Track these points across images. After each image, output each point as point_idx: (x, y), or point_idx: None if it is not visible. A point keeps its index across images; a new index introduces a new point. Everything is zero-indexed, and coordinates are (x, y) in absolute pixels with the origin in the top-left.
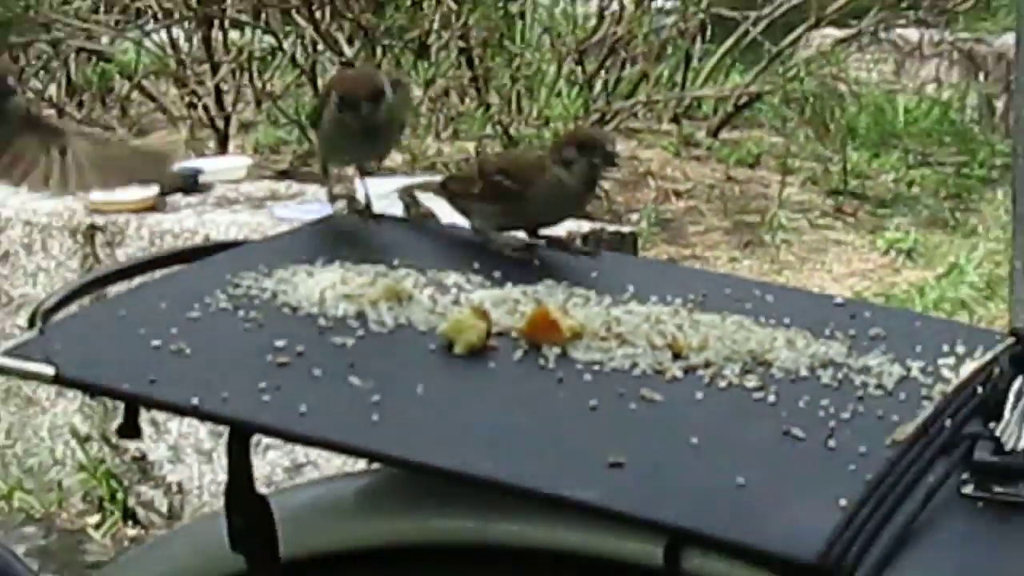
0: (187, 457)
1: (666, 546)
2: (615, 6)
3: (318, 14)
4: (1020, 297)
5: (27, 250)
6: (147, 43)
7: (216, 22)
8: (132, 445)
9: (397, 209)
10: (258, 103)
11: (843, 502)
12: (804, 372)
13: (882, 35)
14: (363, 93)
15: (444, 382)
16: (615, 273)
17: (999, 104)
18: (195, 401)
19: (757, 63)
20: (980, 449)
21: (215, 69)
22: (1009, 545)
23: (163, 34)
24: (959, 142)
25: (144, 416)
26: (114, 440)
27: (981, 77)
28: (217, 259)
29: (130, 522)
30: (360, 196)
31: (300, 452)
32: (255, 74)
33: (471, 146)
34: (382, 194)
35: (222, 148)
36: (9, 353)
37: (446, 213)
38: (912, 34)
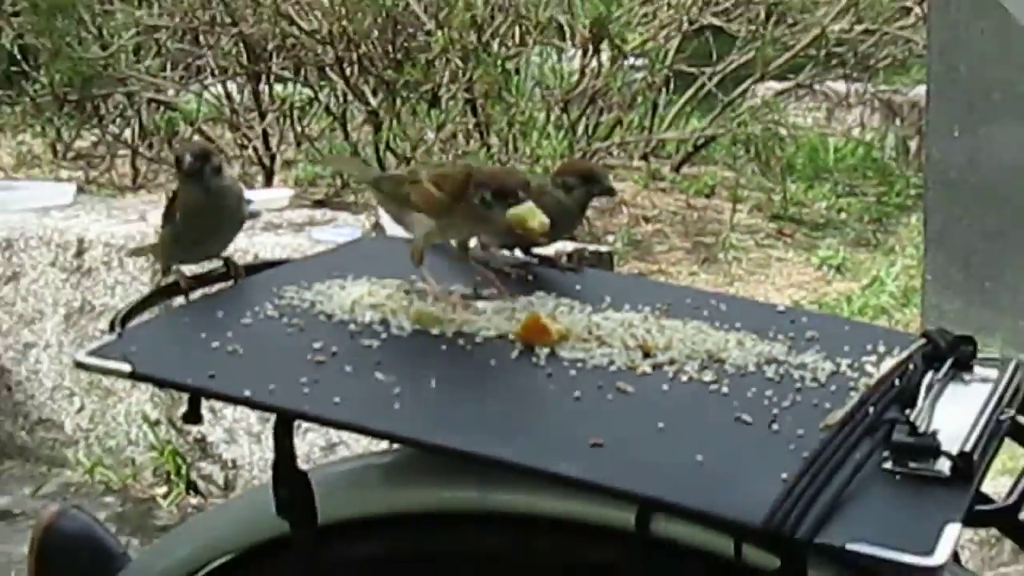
0: (240, 439)
1: (637, 512)
2: (594, 63)
3: (348, 70)
4: (931, 304)
5: (107, 267)
6: (206, 95)
7: (263, 77)
8: (194, 429)
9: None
10: (298, 144)
11: (784, 476)
12: (752, 368)
13: (816, 87)
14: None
15: (453, 376)
16: (595, 286)
17: (913, 144)
18: (247, 393)
19: (712, 110)
20: (898, 432)
21: (262, 116)
22: (921, 510)
23: (219, 87)
24: (880, 176)
25: (204, 405)
26: (179, 424)
27: (898, 122)
28: (265, 275)
29: (192, 492)
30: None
31: (334, 434)
32: (295, 120)
33: None
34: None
35: (268, 182)
36: (93, 353)
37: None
38: (840, 87)
